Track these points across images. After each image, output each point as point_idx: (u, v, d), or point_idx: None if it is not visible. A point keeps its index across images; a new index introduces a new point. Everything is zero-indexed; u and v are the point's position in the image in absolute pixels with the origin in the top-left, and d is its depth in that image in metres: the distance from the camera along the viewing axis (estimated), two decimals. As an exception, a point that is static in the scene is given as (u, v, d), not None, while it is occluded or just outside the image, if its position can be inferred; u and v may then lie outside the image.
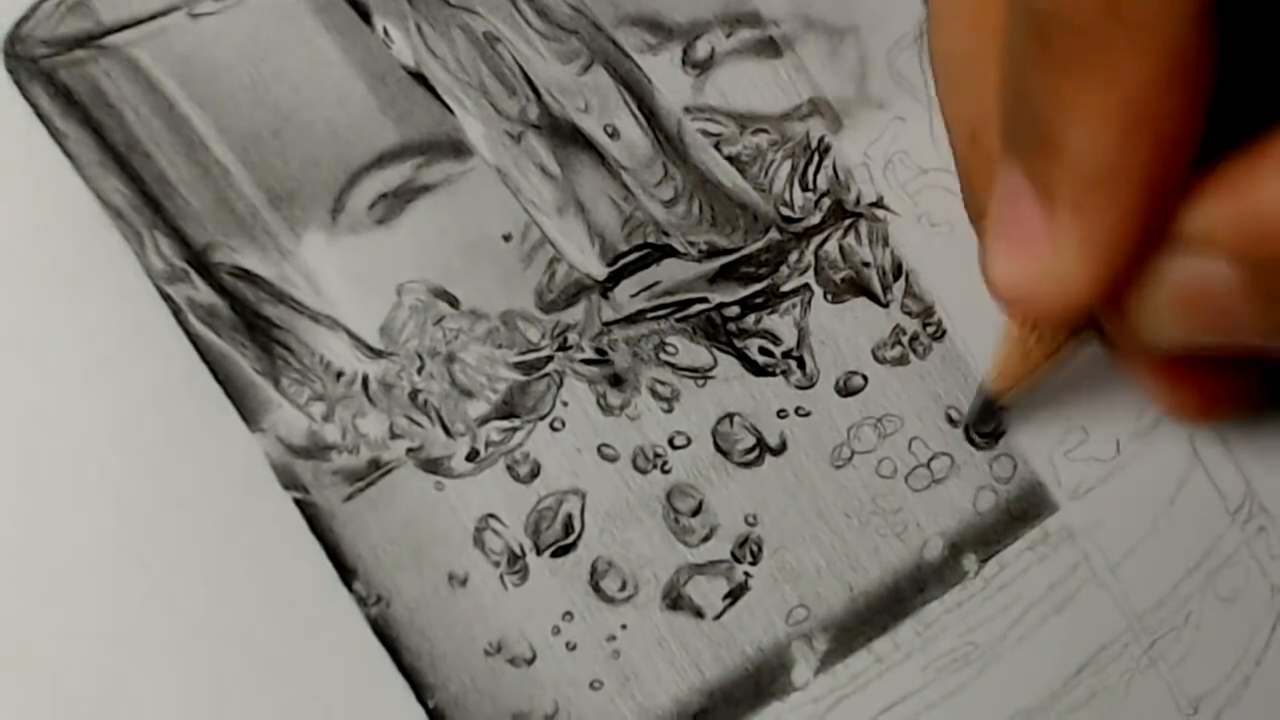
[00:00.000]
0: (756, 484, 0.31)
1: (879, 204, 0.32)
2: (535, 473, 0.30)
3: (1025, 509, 0.33)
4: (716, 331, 0.31)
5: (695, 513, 0.31)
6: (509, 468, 0.30)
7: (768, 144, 0.32)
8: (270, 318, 0.29)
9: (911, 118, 0.33)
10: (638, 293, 0.31)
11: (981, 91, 0.27)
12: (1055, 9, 0.23)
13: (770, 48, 0.32)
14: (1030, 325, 0.29)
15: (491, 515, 0.30)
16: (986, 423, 0.32)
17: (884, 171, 0.32)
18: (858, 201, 0.32)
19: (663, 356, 0.31)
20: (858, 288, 0.32)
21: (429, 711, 0.30)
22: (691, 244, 0.31)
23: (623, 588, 0.31)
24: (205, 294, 0.29)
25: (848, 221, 0.32)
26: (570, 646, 0.30)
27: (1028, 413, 0.32)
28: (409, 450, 0.30)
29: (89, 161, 0.29)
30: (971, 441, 0.32)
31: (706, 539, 0.31)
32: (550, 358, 0.31)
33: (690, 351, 0.31)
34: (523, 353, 0.30)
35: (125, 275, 0.29)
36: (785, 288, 0.32)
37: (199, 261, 0.29)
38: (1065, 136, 0.24)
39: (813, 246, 0.32)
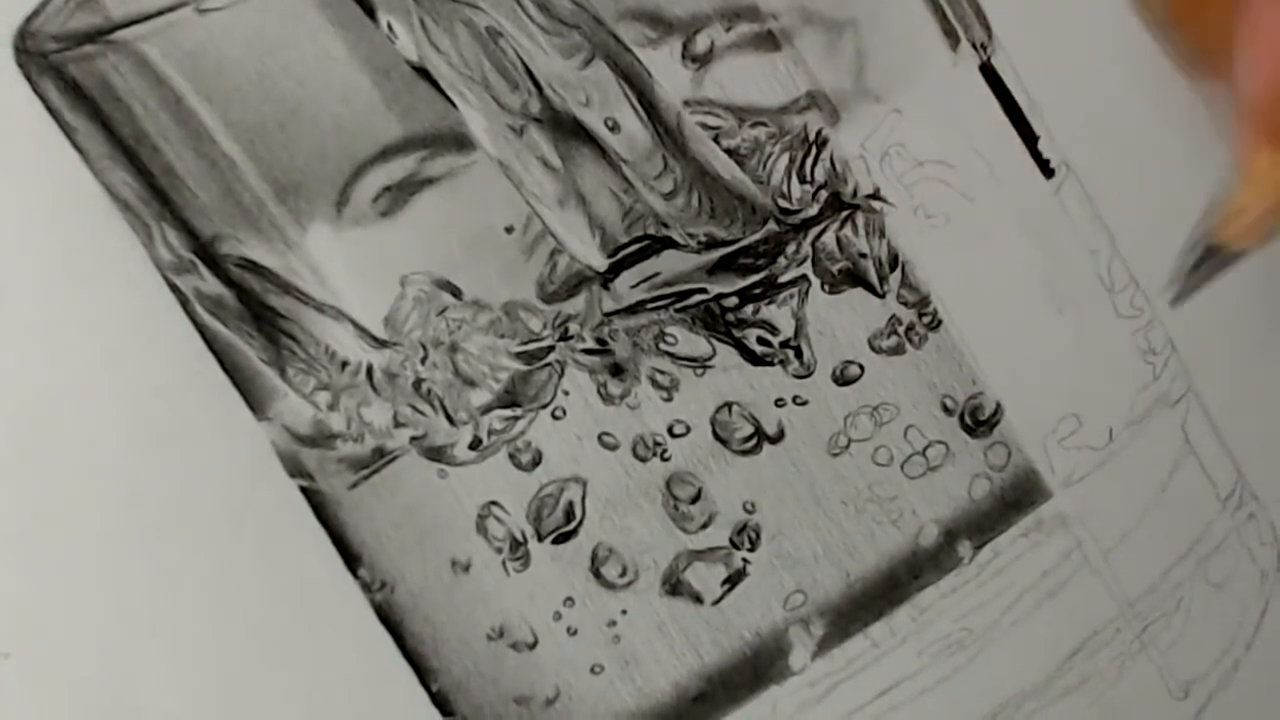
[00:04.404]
0: (754, 472, 0.31)
1: (876, 196, 0.33)
2: (537, 461, 0.31)
3: (1019, 496, 0.33)
4: (715, 322, 0.31)
5: (694, 500, 0.31)
6: (511, 456, 0.31)
7: (766, 137, 0.32)
8: (276, 308, 0.30)
9: (909, 110, 0.33)
10: (638, 284, 0.31)
11: None
12: None
13: (769, 41, 0.32)
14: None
15: (494, 502, 0.30)
16: (1202, 284, 0.29)
17: (881, 164, 0.33)
18: (855, 193, 0.32)
19: (662, 346, 0.31)
20: (854, 278, 0.32)
21: (433, 696, 0.30)
22: (691, 236, 0.31)
23: (623, 574, 0.31)
24: (212, 285, 0.29)
25: (845, 213, 0.32)
26: (571, 631, 0.31)
27: (1023, 403, 0.33)
28: (413, 439, 0.30)
29: (98, 154, 0.29)
30: (1180, 295, 0.29)
31: (705, 526, 0.31)
32: (552, 348, 0.31)
33: (689, 341, 0.31)
34: (524, 343, 0.31)
35: (133, 266, 0.29)
36: (783, 279, 0.32)
37: (206, 253, 0.29)
38: None
39: (810, 238, 0.32)
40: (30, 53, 0.29)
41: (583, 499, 0.31)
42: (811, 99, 0.32)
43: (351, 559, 0.30)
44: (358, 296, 0.30)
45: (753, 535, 0.31)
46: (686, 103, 0.32)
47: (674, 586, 0.31)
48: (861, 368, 0.32)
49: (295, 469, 0.30)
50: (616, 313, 0.31)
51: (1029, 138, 0.34)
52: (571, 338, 0.31)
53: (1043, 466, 0.33)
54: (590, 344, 0.31)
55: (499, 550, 0.30)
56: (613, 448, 0.31)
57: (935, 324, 0.33)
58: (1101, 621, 0.33)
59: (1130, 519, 0.33)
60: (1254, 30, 0.25)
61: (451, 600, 0.30)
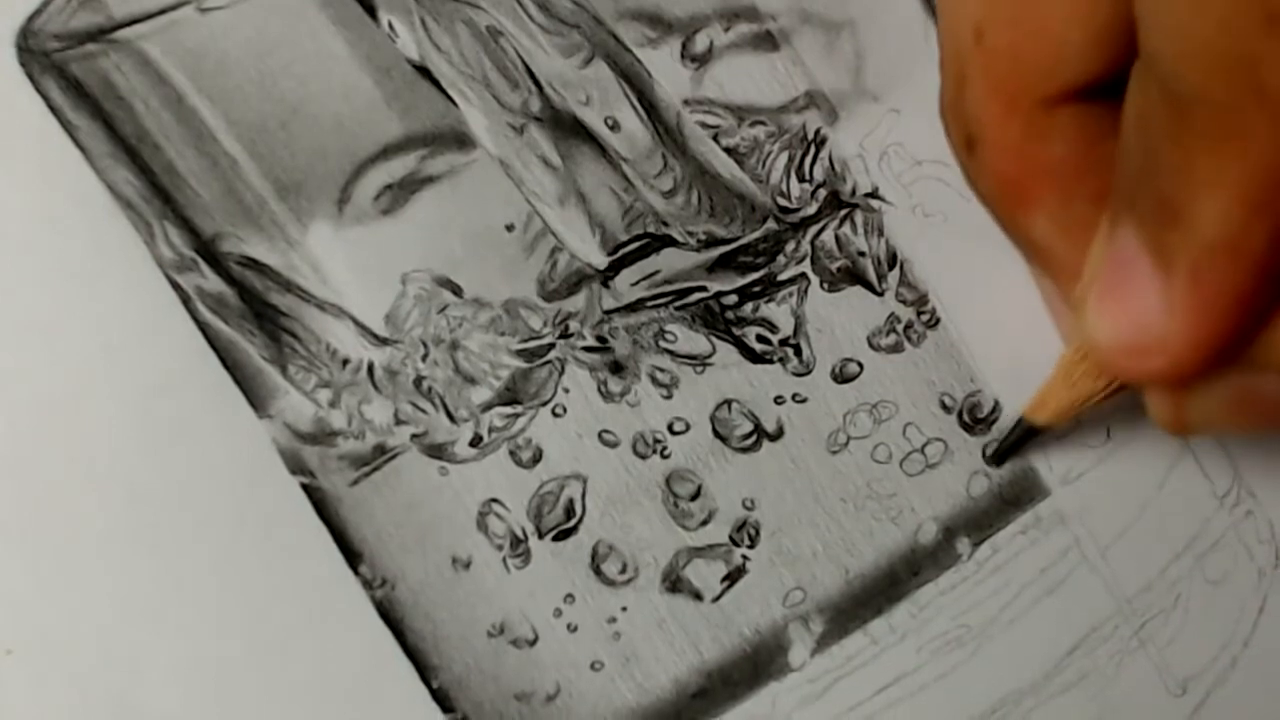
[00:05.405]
0: (754, 469, 0.32)
1: (874, 194, 0.33)
2: (537, 458, 0.31)
3: (1018, 494, 0.33)
4: (715, 319, 0.32)
5: (694, 497, 0.31)
6: (511, 453, 0.31)
7: (765, 136, 0.32)
8: (277, 306, 0.30)
9: (906, 110, 0.33)
10: (638, 281, 0.31)
11: None
12: (1200, 86, 0.23)
13: (768, 41, 0.32)
14: (1089, 367, 0.29)
15: (494, 500, 0.30)
16: (1015, 451, 0.32)
17: (879, 163, 0.33)
18: (853, 192, 0.33)
19: (662, 344, 0.31)
20: (853, 276, 0.32)
21: (433, 692, 0.30)
22: (690, 234, 0.31)
23: (623, 570, 0.31)
24: (214, 283, 0.30)
25: (843, 212, 0.33)
26: (571, 628, 0.31)
27: (1021, 401, 0.33)
28: (413, 436, 0.30)
29: (100, 153, 0.29)
30: (996, 459, 0.33)
31: (705, 523, 0.31)
32: (552, 345, 0.31)
33: (689, 339, 0.31)
34: (525, 340, 0.31)
35: (135, 265, 0.29)
36: (782, 277, 0.32)
37: (208, 251, 0.30)
38: (1193, 207, 0.24)
39: (809, 236, 0.32)
40: (32, 51, 0.29)
41: (583, 496, 0.31)
42: (810, 98, 0.33)
43: (352, 556, 0.30)
44: (359, 294, 0.30)
45: (752, 532, 0.31)
46: (686, 102, 0.32)
47: (674, 583, 0.31)
48: (860, 365, 0.32)
49: (296, 466, 0.30)
50: (616, 310, 0.31)
51: (1026, 137, 0.34)
52: (572, 335, 0.31)
53: (1041, 464, 0.33)
54: (590, 341, 0.31)
55: (499, 547, 0.30)
56: (613, 445, 0.31)
57: (934, 322, 0.33)
58: (1100, 618, 0.33)
59: (1128, 516, 0.33)
60: (1112, 284, 0.26)
61: (452, 597, 0.30)
